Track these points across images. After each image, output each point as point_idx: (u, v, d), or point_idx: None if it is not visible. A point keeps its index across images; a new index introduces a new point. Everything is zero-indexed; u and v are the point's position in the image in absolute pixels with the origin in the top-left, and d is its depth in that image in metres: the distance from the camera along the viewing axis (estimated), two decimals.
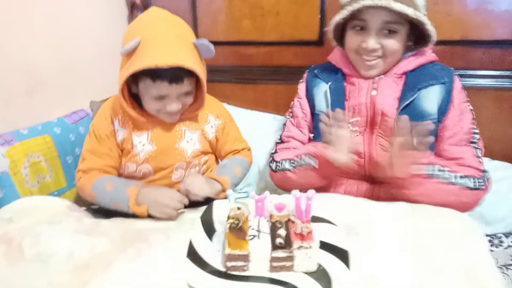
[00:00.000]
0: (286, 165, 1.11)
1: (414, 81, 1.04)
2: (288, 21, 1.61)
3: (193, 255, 0.77)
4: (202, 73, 1.02)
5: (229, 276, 0.72)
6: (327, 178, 1.07)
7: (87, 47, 1.61)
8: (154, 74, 0.98)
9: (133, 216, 1.00)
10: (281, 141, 1.20)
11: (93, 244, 0.83)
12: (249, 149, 1.29)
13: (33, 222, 0.91)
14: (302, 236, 0.74)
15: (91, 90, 1.65)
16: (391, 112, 1.04)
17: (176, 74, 0.99)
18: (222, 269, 0.74)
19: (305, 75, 1.23)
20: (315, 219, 0.83)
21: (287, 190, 1.15)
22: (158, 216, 0.97)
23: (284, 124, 1.22)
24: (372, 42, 1.01)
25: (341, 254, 0.76)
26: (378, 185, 1.06)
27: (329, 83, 1.13)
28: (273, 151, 1.20)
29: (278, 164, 1.14)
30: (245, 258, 0.73)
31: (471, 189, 0.95)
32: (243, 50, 1.71)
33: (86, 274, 0.74)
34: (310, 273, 0.73)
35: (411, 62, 1.07)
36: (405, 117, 0.88)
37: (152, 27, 0.99)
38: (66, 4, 1.50)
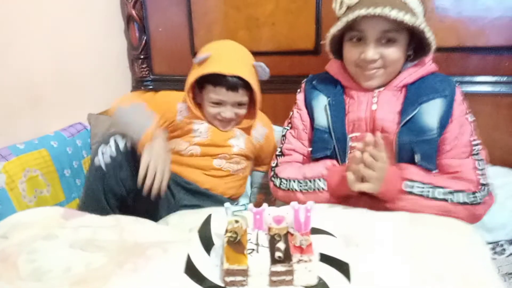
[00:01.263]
0: (295, 186, 1.08)
1: (415, 95, 1.02)
2: (284, 31, 1.61)
3: (191, 270, 0.75)
4: (256, 87, 1.24)
5: None
6: (338, 199, 1.04)
7: (84, 60, 1.61)
8: (216, 81, 1.21)
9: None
10: (282, 153, 1.17)
11: (90, 259, 0.81)
12: None
13: (28, 238, 0.89)
14: (301, 249, 0.73)
15: (89, 103, 1.65)
16: (392, 128, 1.01)
17: (233, 83, 1.21)
18: (221, 284, 0.73)
19: (302, 85, 1.21)
20: (314, 231, 0.82)
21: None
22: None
23: (284, 136, 1.20)
24: (371, 53, 0.99)
25: (341, 267, 0.75)
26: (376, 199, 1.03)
27: (329, 99, 1.10)
28: (274, 165, 1.17)
29: (283, 181, 1.11)
30: (244, 272, 0.71)
31: (462, 204, 0.93)
32: None
33: None
34: (310, 287, 0.72)
35: (411, 74, 1.05)
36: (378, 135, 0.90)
37: (222, 47, 1.28)
38: (64, 18, 1.51)
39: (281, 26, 1.61)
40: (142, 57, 1.83)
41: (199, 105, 1.30)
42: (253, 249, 0.75)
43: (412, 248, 0.81)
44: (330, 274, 0.74)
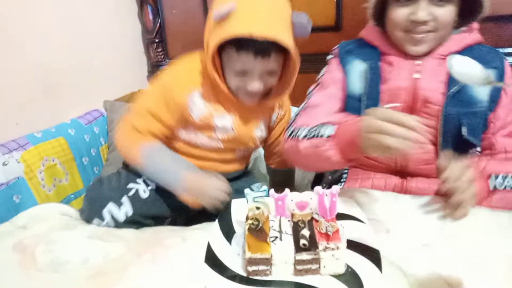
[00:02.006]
0: (304, 132, 0.91)
1: None
2: (303, 7, 1.53)
3: (211, 259, 0.72)
4: (294, 51, 0.93)
5: (250, 281, 0.67)
6: (344, 162, 0.84)
7: (98, 46, 1.59)
8: (239, 44, 0.89)
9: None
10: (300, 111, 1.03)
11: (108, 249, 0.80)
12: None
13: (47, 228, 0.90)
14: (327, 236, 0.69)
15: (104, 89, 1.62)
16: (436, 99, 0.92)
17: (263, 47, 0.89)
18: (243, 273, 0.69)
19: (336, 50, 1.08)
20: (341, 216, 0.77)
21: (295, 164, 1.09)
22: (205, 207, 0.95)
23: (308, 95, 1.06)
24: (423, 13, 0.89)
25: (371, 254, 0.70)
26: (409, 178, 0.98)
27: (369, 62, 0.99)
28: (292, 120, 1.02)
29: (294, 130, 0.95)
30: (267, 261, 0.68)
31: None
32: None
33: (102, 281, 0.71)
34: (338, 276, 0.67)
35: (458, 43, 0.95)
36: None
37: None
38: (77, 5, 1.48)
39: (300, 1, 1.53)
40: (157, 40, 1.79)
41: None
42: (276, 237, 0.71)
43: (448, 232, 0.76)
44: (360, 262, 0.69)
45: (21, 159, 1.18)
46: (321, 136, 0.85)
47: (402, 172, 0.99)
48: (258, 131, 1.11)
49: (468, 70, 0.67)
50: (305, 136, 0.89)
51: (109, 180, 1.06)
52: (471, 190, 0.73)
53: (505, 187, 0.83)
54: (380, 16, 0.99)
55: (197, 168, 1.02)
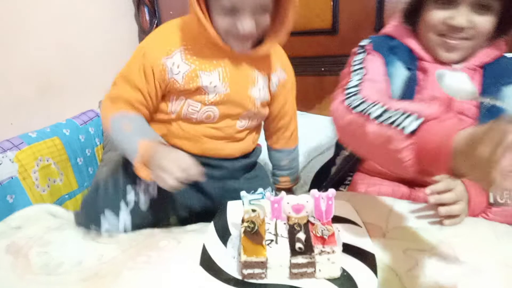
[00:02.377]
0: (377, 111, 0.70)
1: (494, 76, 0.88)
2: (299, 10, 1.54)
3: (206, 262, 0.72)
4: None
5: (246, 285, 0.67)
6: (416, 171, 0.64)
7: (94, 47, 1.58)
8: None
9: None
10: (357, 83, 0.85)
11: (102, 251, 0.79)
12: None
13: (41, 230, 0.88)
14: (323, 240, 0.69)
15: (100, 90, 1.61)
16: (471, 111, 0.87)
17: None
18: (238, 277, 0.69)
19: (369, 45, 0.95)
20: (337, 220, 0.78)
21: (347, 142, 0.85)
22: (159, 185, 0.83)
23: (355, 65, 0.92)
24: (462, 19, 0.83)
25: (367, 258, 0.70)
26: (417, 189, 0.95)
27: (411, 72, 0.91)
28: (350, 85, 0.85)
29: (363, 102, 0.76)
30: (262, 265, 0.67)
31: None
32: None
33: (95, 284, 0.70)
34: (333, 280, 0.67)
35: (489, 54, 0.91)
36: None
37: None
38: (73, 4, 1.47)
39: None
40: None
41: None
42: (272, 240, 0.71)
43: (450, 239, 0.75)
44: (355, 266, 0.69)
45: (15, 159, 1.17)
46: (402, 127, 0.64)
47: (412, 182, 0.96)
48: (256, 90, 0.97)
49: (459, 84, 0.63)
50: (378, 117, 0.69)
51: (105, 190, 0.98)
52: (457, 206, 0.77)
53: (505, 201, 0.82)
54: (411, 15, 0.93)
55: (165, 142, 0.92)
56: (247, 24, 0.84)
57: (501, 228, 0.79)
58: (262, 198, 0.74)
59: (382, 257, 0.71)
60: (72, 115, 1.46)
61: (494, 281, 0.66)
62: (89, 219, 0.92)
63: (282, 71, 1.03)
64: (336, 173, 1.11)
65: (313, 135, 1.48)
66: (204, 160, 0.95)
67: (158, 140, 0.89)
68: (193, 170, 0.81)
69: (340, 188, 1.07)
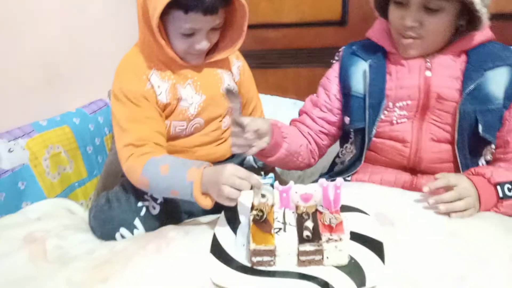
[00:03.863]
0: None
1: (478, 61, 0.92)
2: (308, 1, 1.54)
3: (217, 250, 0.73)
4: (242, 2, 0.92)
5: (255, 272, 0.69)
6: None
7: (100, 36, 1.58)
8: (187, 5, 0.87)
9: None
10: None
11: (114, 243, 0.83)
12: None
13: (58, 225, 0.92)
14: (331, 228, 0.70)
15: (109, 79, 1.62)
16: (451, 95, 0.91)
17: (212, 4, 0.87)
18: (248, 264, 0.70)
19: (340, 53, 1.08)
20: (345, 208, 0.78)
21: None
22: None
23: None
24: (409, 20, 0.89)
25: (375, 246, 0.71)
26: (420, 176, 0.97)
27: (369, 61, 1.00)
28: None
29: None
30: (271, 252, 0.69)
31: None
32: (261, 33, 1.65)
33: (106, 270, 0.72)
34: (341, 267, 0.68)
35: (470, 41, 0.93)
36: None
37: None
38: None
39: None
40: None
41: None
42: (280, 228, 0.72)
43: (455, 228, 0.76)
44: (363, 253, 0.70)
45: (26, 146, 1.18)
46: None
47: (414, 169, 0.98)
48: (226, 86, 1.04)
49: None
50: None
51: (118, 200, 1.00)
52: (461, 202, 0.80)
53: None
54: (385, 9, 0.98)
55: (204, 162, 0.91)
56: (203, 44, 0.93)
57: (511, 221, 0.80)
58: (272, 183, 0.75)
59: (390, 245, 0.72)
60: (81, 104, 1.47)
61: (502, 274, 0.66)
62: (103, 235, 0.94)
63: (237, 60, 1.11)
64: (342, 161, 1.13)
65: None
66: None
67: (199, 163, 0.88)
68: (252, 176, 0.79)
69: (346, 178, 1.08)
